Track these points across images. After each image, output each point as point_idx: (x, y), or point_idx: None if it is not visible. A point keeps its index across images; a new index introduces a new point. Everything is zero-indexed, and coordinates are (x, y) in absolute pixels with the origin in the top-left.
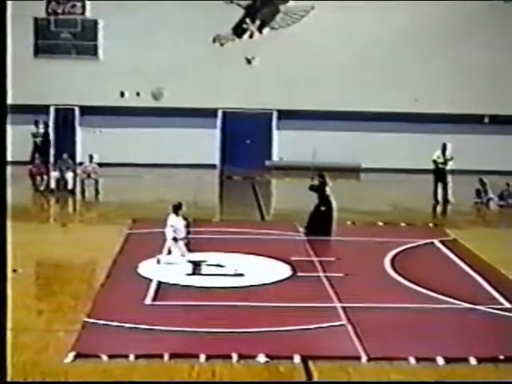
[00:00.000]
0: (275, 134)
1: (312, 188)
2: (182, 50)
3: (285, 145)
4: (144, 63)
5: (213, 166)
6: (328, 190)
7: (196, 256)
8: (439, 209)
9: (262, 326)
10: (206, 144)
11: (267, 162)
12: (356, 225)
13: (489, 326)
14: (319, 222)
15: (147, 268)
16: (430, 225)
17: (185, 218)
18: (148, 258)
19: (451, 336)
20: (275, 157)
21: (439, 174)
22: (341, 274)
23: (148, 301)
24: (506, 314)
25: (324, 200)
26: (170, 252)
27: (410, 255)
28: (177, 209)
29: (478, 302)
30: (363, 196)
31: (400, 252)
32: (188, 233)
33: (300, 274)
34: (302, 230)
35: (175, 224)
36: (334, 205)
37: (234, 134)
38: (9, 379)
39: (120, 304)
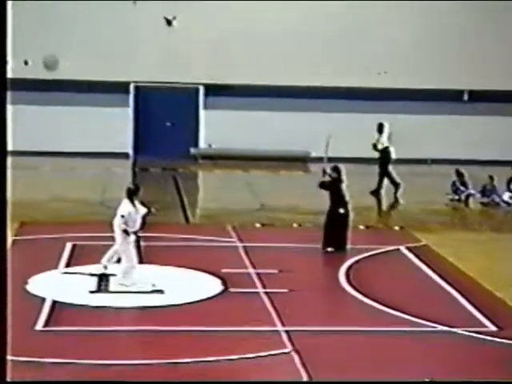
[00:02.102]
0: (202, 114)
1: (323, 185)
2: (84, 7)
3: (214, 128)
4: (33, 23)
5: (124, 155)
6: (344, 187)
7: (102, 268)
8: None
9: (185, 356)
10: (116, 127)
11: (193, 150)
12: (303, 227)
13: (467, 353)
14: (338, 230)
15: (39, 284)
16: (396, 227)
17: (146, 207)
18: (40, 271)
19: (420, 367)
20: (202, 143)
21: (384, 160)
22: (284, 290)
23: (39, 326)
24: (489, 338)
25: (340, 201)
26: (118, 260)
27: (369, 265)
28: (132, 194)
29: (454, 323)
30: (312, 192)
31: (358, 261)
32: (141, 227)
33: (233, 289)
34: (329, 249)
35: (126, 213)
36: (351, 207)
37: (150, 115)
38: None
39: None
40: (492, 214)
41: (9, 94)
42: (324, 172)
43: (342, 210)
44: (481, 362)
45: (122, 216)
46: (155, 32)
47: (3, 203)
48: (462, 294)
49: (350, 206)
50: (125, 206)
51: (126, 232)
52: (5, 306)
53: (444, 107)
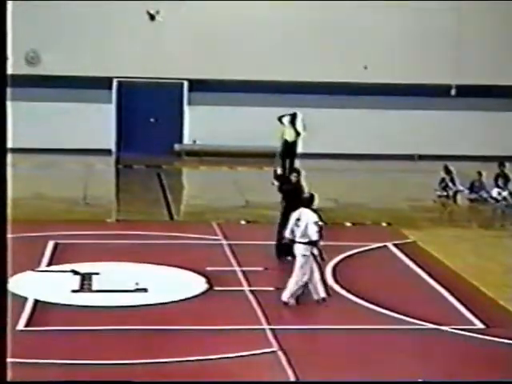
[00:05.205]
0: (186, 110)
1: (282, 190)
2: (66, 1)
3: (199, 124)
4: (14, 17)
5: (107, 152)
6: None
7: (85, 267)
8: None
9: (170, 356)
10: (98, 123)
11: (177, 146)
12: None
13: (454, 351)
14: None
15: (20, 283)
16: (383, 224)
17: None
18: (22, 270)
19: (408, 365)
20: (187, 139)
21: (289, 150)
22: (270, 288)
23: (21, 326)
24: (477, 336)
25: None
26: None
27: (356, 263)
28: (309, 202)
29: (442, 321)
30: None
31: (344, 259)
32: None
33: (218, 288)
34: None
35: (309, 221)
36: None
37: (133, 111)
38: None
39: None
40: (480, 210)
41: None
42: (275, 172)
43: None
44: (468, 360)
45: (316, 222)
46: (138, 27)
47: (3, 201)
48: (450, 291)
49: None
50: (311, 214)
51: (313, 243)
52: (5, 305)
53: (432, 102)
